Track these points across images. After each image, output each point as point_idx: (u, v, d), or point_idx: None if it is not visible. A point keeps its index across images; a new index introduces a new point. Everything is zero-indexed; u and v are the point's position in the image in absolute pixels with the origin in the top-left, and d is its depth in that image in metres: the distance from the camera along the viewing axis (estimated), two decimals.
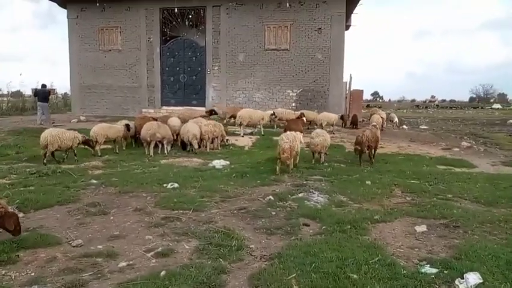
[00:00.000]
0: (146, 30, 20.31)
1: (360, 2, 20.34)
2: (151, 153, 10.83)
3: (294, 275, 3.77)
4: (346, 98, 23.63)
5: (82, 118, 20.25)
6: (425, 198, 6.89)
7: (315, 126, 15.96)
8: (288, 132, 9.60)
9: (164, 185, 7.42)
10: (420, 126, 25.61)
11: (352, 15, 23.64)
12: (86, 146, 10.58)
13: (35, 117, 21.38)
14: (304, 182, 7.91)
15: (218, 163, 9.73)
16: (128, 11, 20.33)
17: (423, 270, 4.00)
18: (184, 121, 12.67)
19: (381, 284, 3.65)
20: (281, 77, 19.25)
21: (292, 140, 8.96)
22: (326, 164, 9.96)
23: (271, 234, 5.03)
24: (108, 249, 4.40)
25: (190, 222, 5.38)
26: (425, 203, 6.50)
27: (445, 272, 3.96)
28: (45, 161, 9.57)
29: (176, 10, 19.65)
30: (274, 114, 16.15)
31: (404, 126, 23.55)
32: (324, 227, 5.24)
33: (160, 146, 11.29)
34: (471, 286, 3.71)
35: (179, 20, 20.52)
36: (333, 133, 15.83)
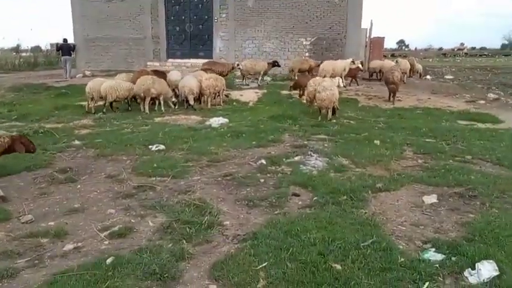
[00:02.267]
0: None
1: None
2: (146, 110, 10.16)
3: (264, 265, 3.12)
4: (366, 46, 22.10)
5: (87, 73, 19.63)
6: (439, 161, 6.05)
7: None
8: (317, 78, 10.32)
9: (150, 146, 6.79)
10: (445, 76, 23.98)
11: None
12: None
13: (45, 73, 21.19)
14: (305, 143, 7.13)
15: (216, 121, 8.99)
16: None
17: (426, 257, 3.29)
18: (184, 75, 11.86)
19: (370, 278, 2.97)
20: (294, 24, 17.86)
21: (318, 85, 9.26)
22: (334, 121, 9.10)
23: (254, 206, 4.37)
24: (59, 226, 3.83)
25: (164, 192, 4.76)
26: (439, 167, 5.66)
27: (453, 259, 3.24)
28: (104, 111, 10.17)
29: None
30: (353, 61, 15.21)
31: (428, 77, 22.02)
32: (315, 198, 4.53)
33: (157, 102, 10.60)
34: (484, 280, 3.00)
35: None
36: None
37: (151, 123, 8.95)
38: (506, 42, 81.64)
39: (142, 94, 9.98)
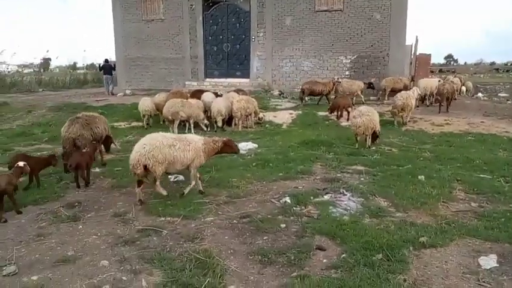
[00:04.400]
0: None
1: None
2: (175, 133, 9.80)
3: None
4: (411, 63, 20.93)
5: (128, 92, 19.91)
6: (498, 205, 5.09)
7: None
8: (403, 92, 11.45)
9: (170, 176, 6.32)
10: (499, 94, 22.21)
11: None
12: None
13: (91, 91, 22.27)
14: (339, 175, 6.39)
15: (244, 146, 8.43)
16: None
17: None
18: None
19: None
20: (333, 42, 17.19)
21: (406, 99, 10.67)
22: (374, 148, 8.27)
23: (268, 264, 3.69)
24: (40, 283, 3.35)
25: (169, 238, 4.19)
26: (498, 214, 4.73)
27: None
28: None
29: None
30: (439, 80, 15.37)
31: (480, 95, 20.51)
32: (343, 256, 3.78)
33: (187, 125, 10.24)
34: None
35: None
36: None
37: None
38: None
39: (170, 117, 9.64)
